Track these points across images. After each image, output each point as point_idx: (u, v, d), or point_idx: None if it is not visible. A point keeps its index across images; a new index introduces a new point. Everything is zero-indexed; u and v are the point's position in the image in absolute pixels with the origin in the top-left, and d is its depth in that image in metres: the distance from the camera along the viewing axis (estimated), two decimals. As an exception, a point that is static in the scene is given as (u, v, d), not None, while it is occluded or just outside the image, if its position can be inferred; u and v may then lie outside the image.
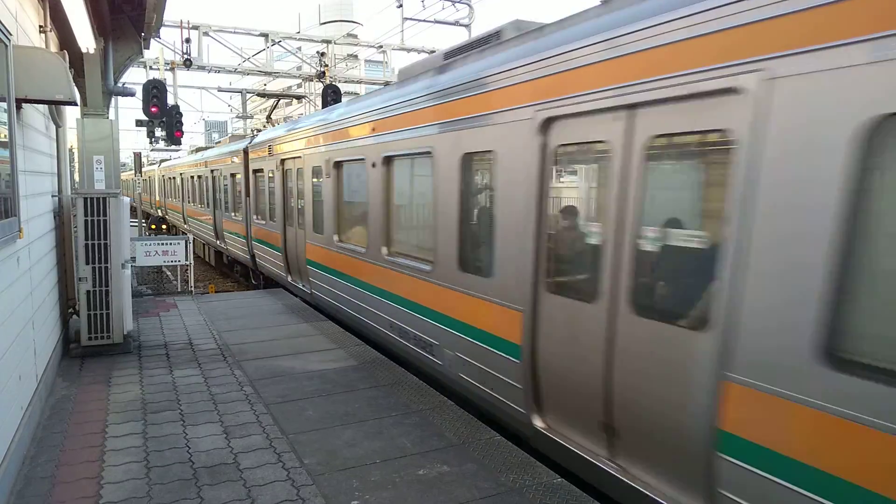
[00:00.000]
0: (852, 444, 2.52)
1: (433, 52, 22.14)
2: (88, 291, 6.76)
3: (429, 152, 5.83)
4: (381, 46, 22.22)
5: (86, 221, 6.65)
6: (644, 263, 3.60)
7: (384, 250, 6.96)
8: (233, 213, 15.34)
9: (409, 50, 22.09)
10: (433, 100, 5.77)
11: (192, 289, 11.45)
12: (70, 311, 7.31)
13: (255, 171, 13.01)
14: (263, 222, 12.41)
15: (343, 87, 21.12)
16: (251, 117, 33.31)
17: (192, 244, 10.96)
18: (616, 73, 3.65)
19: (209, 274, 19.62)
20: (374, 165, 7.11)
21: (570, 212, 4.36)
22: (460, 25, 17.83)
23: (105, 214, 6.71)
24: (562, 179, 4.40)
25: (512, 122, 4.60)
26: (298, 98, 23.70)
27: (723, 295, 3.02)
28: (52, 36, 6.62)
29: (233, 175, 15.15)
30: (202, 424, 4.99)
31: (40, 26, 5.93)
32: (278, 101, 20.78)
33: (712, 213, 3.21)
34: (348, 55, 26.84)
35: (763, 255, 2.85)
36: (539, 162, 4.34)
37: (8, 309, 4.10)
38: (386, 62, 23.34)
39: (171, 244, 10.72)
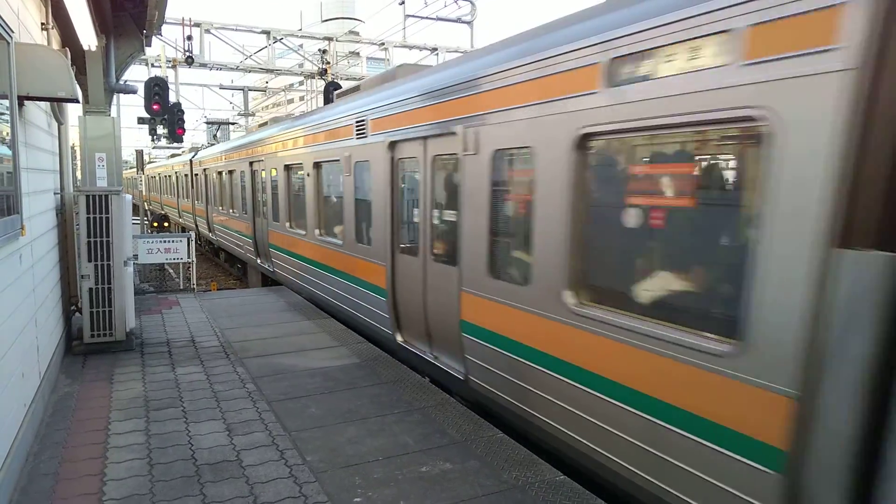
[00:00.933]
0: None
1: (434, 49, 22.12)
2: (91, 289, 6.77)
3: (242, 170, 13.64)
4: (382, 44, 22.18)
5: (88, 219, 6.65)
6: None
7: (231, 211, 15.16)
8: (185, 200, 24.56)
9: (410, 47, 22.05)
10: (233, 150, 14.40)
11: (195, 286, 11.46)
12: (72, 308, 7.32)
13: (195, 174, 21.42)
14: (199, 204, 20.64)
15: (345, 85, 21.07)
16: (253, 114, 33.34)
17: (193, 241, 10.98)
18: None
19: (211, 271, 19.64)
20: (230, 173, 15.11)
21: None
22: (462, 22, 17.80)
23: (107, 212, 6.71)
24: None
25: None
26: (231, 123, 28.11)
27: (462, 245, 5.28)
28: (54, 33, 6.61)
29: (186, 175, 23.90)
30: (205, 422, 4.99)
31: (42, 23, 5.93)
32: (219, 127, 29.83)
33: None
34: (350, 52, 26.81)
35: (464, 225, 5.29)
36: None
37: (10, 307, 4.10)
38: (388, 59, 23.30)
39: (173, 241, 10.72)
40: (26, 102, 4.79)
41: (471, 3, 17.38)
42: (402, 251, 6.50)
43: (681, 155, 3.44)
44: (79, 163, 8.42)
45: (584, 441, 3.98)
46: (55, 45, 6.68)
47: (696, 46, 3.12)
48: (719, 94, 3.00)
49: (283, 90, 34.55)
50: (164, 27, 9.67)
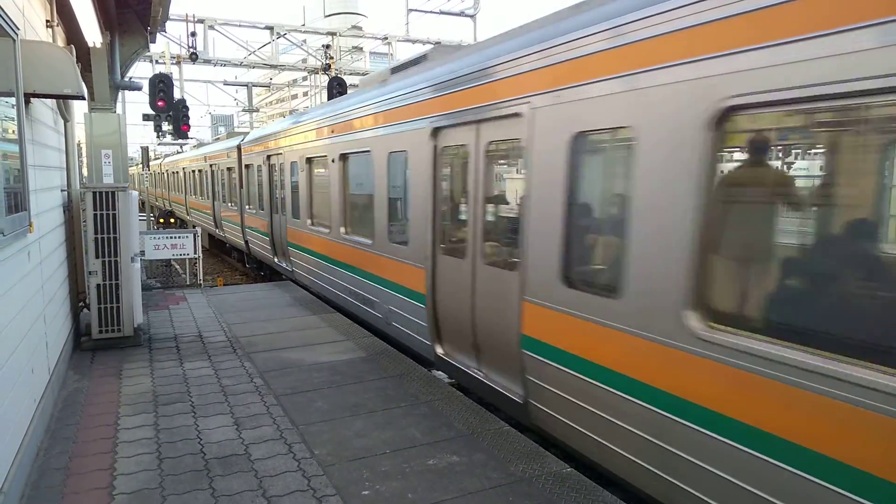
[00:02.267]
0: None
1: (438, 43, 22.06)
2: (98, 285, 6.80)
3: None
4: (385, 38, 22.14)
5: (95, 215, 6.68)
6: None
7: (177, 193, 27.50)
8: (160, 189, 35.70)
9: (413, 41, 21.99)
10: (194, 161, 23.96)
11: (201, 282, 11.51)
12: (80, 304, 7.36)
13: (160, 172, 34.32)
14: (165, 191, 32.77)
15: (348, 80, 21.05)
16: (257, 110, 33.35)
17: (199, 237, 11.01)
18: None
19: (218, 267, 19.70)
20: (176, 172, 27.55)
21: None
22: (465, 16, 17.73)
23: (114, 208, 6.74)
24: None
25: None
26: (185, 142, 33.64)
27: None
28: (59, 30, 6.62)
29: (159, 174, 35.70)
30: (213, 416, 5.02)
31: (47, 21, 5.94)
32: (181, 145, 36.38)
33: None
34: (353, 47, 26.78)
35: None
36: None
37: (20, 303, 4.13)
38: (391, 54, 23.24)
39: (179, 238, 10.76)
40: (33, 100, 4.80)
41: (474, -4, 17.31)
42: (222, 205, 17.73)
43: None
44: (85, 160, 8.45)
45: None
46: (60, 42, 6.70)
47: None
48: None
49: (287, 86, 34.58)
50: (168, 24, 9.68)
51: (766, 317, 3.02)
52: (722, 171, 3.18)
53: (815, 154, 3.04)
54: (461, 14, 17.67)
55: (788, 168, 3.09)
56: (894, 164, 2.61)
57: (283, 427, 4.79)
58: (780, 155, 3.10)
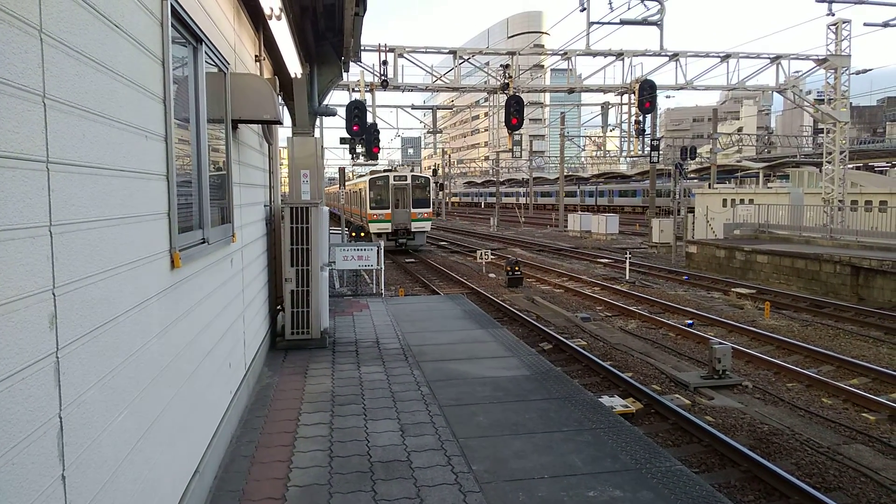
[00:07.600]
0: None
1: (620, 54, 21.33)
2: (292, 291, 7.53)
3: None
4: (565, 53, 21.92)
5: (291, 228, 7.42)
6: None
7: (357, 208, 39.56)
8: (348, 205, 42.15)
9: (594, 55, 21.49)
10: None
11: (384, 291, 12.24)
12: (278, 307, 8.20)
13: (353, 192, 38.50)
14: (346, 203, 39.40)
15: (526, 98, 21.19)
16: (440, 132, 35.02)
17: (382, 251, 11.74)
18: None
19: (401, 278, 20.89)
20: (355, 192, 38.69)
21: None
22: (649, 24, 16.89)
23: (307, 222, 7.43)
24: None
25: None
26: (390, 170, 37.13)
27: None
28: (266, 64, 7.51)
29: (354, 192, 39.97)
30: (381, 420, 5.23)
31: (256, 56, 6.76)
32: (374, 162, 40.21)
33: None
34: (534, 65, 26.96)
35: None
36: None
37: (221, 304, 4.67)
38: (571, 69, 22.96)
39: (364, 250, 11.58)
40: (239, 125, 5.46)
41: (658, 2, 16.40)
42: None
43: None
44: (287, 178, 9.46)
45: None
46: (267, 73, 7.58)
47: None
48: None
49: (469, 107, 35.96)
50: (363, 54, 10.65)
51: None
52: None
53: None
54: (644, 22, 16.86)
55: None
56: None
57: (445, 438, 4.82)
58: None
